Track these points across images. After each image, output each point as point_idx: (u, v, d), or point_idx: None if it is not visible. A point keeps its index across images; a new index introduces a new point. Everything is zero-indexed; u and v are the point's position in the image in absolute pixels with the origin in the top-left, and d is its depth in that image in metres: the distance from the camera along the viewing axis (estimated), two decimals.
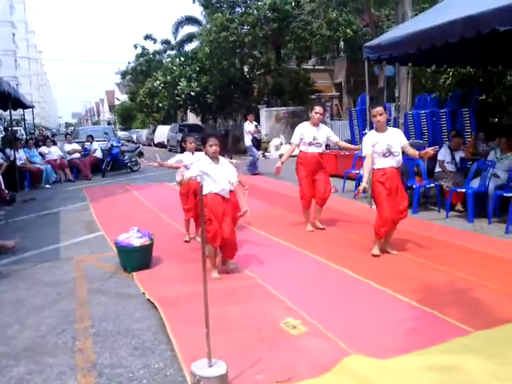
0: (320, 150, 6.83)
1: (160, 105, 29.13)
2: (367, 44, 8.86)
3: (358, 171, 10.33)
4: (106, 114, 76.51)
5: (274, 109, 23.57)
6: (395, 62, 11.22)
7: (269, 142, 22.12)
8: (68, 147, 14.73)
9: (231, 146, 24.71)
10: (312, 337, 3.59)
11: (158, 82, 26.15)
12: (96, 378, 3.09)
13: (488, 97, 11.44)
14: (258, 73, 25.81)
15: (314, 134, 6.76)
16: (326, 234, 6.78)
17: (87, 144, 15.67)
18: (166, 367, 3.20)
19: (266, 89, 25.74)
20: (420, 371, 3.01)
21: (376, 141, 5.58)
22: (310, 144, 6.75)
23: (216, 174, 4.82)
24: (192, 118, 34.51)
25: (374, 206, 8.63)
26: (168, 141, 29.05)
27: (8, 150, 12.98)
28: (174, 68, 25.01)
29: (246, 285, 4.77)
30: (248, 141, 14.20)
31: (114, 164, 15.36)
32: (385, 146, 5.54)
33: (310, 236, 6.70)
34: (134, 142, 33.83)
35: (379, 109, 5.58)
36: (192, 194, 6.34)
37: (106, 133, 17.26)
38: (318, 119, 6.78)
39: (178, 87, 23.59)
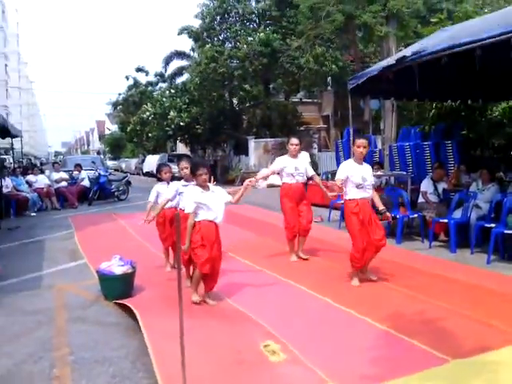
0: (303, 179, 6.92)
1: (150, 134, 29.32)
2: (351, 77, 9.10)
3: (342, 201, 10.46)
4: (96, 144, 76.71)
5: (262, 140, 23.83)
6: (378, 96, 11.48)
7: (256, 172, 22.27)
8: (56, 175, 14.72)
9: (220, 176, 24.84)
10: (291, 364, 3.58)
11: (147, 114, 26.40)
12: None
13: (470, 131, 11.70)
14: (248, 105, 26.19)
15: (295, 165, 6.85)
16: (310, 264, 6.79)
17: (75, 173, 15.67)
18: None
19: (255, 120, 26.09)
20: None
21: (353, 171, 5.67)
22: (293, 175, 6.83)
23: (210, 202, 4.86)
24: (181, 148, 34.73)
25: None
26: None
27: None
28: (164, 100, 25.32)
29: (226, 310, 4.76)
30: None
31: (101, 193, 15.35)
32: (360, 178, 5.65)
33: (294, 266, 6.71)
34: (122, 171, 33.86)
35: (364, 141, 5.72)
36: (168, 222, 6.35)
37: (93, 162, 17.30)
38: (294, 150, 6.88)
39: (168, 117, 23.83)
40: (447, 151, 11.62)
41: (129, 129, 35.98)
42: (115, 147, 52.32)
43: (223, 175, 23.81)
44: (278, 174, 7.06)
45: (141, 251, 7.74)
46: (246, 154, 25.44)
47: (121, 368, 3.59)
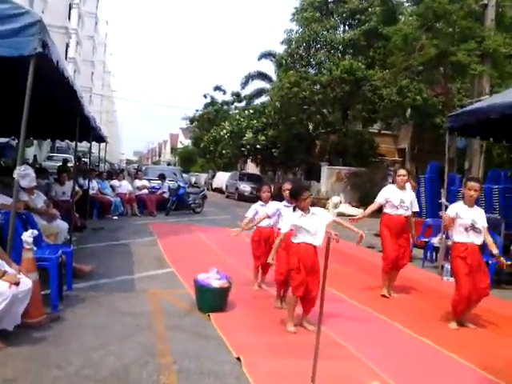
0: (407, 213, 6.73)
1: (224, 152, 29.88)
2: (451, 114, 8.85)
3: (426, 239, 10.12)
4: (167, 156, 79.09)
5: (336, 168, 23.66)
6: (476, 135, 11.07)
7: (327, 199, 22.09)
8: (138, 183, 15.23)
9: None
10: None
11: (224, 131, 26.95)
12: None
13: None
14: (323, 131, 26.15)
15: (401, 197, 6.69)
16: (400, 301, 6.57)
17: (158, 183, 16.14)
18: None
19: (328, 147, 25.99)
20: None
21: (463, 214, 5.49)
22: (397, 207, 6.67)
23: (309, 225, 4.82)
24: (251, 167, 35.11)
25: (446, 278, 8.42)
26: (226, 187, 29.54)
27: (81, 180, 13.52)
28: (242, 119, 25.78)
29: (325, 342, 4.63)
30: None
31: (179, 204, 15.68)
32: (470, 220, 5.45)
33: (384, 301, 6.52)
34: (191, 185, 34.63)
35: (476, 184, 5.55)
36: (263, 241, 6.37)
37: (174, 173, 17.76)
38: (402, 181, 6.73)
39: (244, 138, 24.22)
40: None
41: (202, 145, 36.86)
42: (186, 161, 53.69)
43: (279, 198, 23.71)
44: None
45: (223, 266, 7.75)
46: (317, 180, 25.31)
47: (226, 383, 3.56)
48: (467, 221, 5.43)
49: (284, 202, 5.88)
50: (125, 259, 7.83)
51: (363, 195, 20.53)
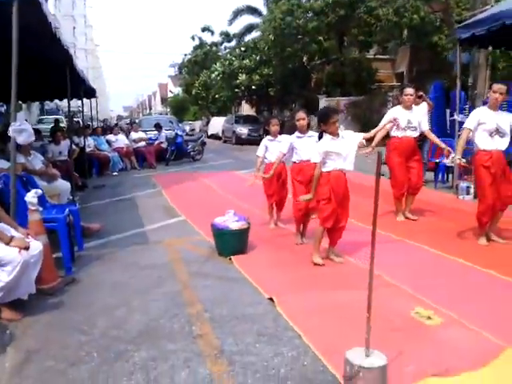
0: (415, 134, 6.40)
1: (217, 96, 29.11)
2: (460, 25, 8.35)
3: (437, 160, 9.82)
4: (158, 107, 77.35)
5: (334, 98, 22.98)
6: (488, 45, 10.52)
7: None
8: (134, 135, 14.76)
9: None
10: (450, 327, 3.26)
11: (216, 73, 26.03)
12: (228, 366, 2.84)
13: None
14: (318, 62, 25.25)
15: (409, 118, 6.32)
16: (421, 224, 6.35)
17: (154, 133, 15.67)
18: (301, 356, 2.92)
19: (324, 78, 25.20)
20: None
21: (486, 118, 5.13)
22: (405, 129, 6.31)
23: (341, 149, 4.49)
24: (246, 109, 34.34)
25: (461, 197, 8.19)
26: (223, 132, 28.94)
27: (76, 138, 13.08)
28: (233, 59, 24.83)
29: (354, 272, 4.43)
30: None
31: (178, 153, 15.30)
32: (494, 124, 5.10)
33: (405, 225, 6.29)
34: (187, 134, 33.91)
35: (502, 87, 5.14)
36: (275, 177, 6.07)
37: (170, 122, 17.23)
38: (409, 100, 6.33)
39: (238, 80, 23.40)
40: None
41: (193, 91, 35.89)
42: (178, 110, 52.41)
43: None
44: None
45: (236, 209, 7.52)
46: (314, 115, 24.71)
47: (264, 326, 3.35)
48: (491, 125, 5.10)
49: (296, 133, 5.51)
50: (132, 213, 7.57)
51: (363, 125, 20.04)
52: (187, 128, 39.04)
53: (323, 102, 23.29)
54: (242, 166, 13.83)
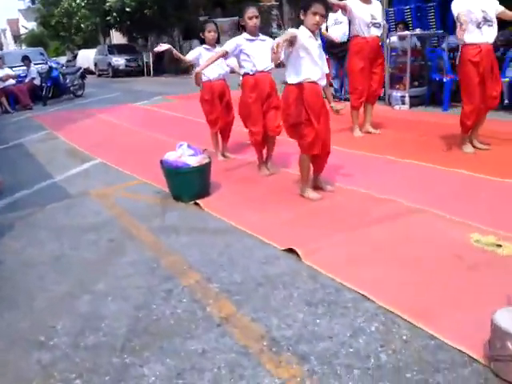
0: (379, 32, 5.57)
1: (82, 26, 25.79)
2: None
3: None
4: (11, 46, 68.13)
5: (217, 20, 21.36)
6: None
7: None
8: (0, 73, 12.21)
9: (169, 66, 22.51)
10: None
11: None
12: (299, 364, 1.89)
13: None
14: None
15: (371, 12, 5.43)
16: (386, 138, 5.69)
17: (22, 68, 13.15)
18: (390, 328, 2.05)
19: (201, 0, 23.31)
20: None
21: (469, 5, 4.37)
22: (369, 25, 5.41)
23: (317, 53, 3.47)
24: (116, 38, 31.07)
25: (398, 106, 7.70)
26: (96, 65, 26.00)
27: None
28: None
29: (358, 200, 3.61)
30: None
31: (56, 89, 13.11)
32: (480, 12, 4.38)
33: (369, 140, 5.58)
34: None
35: None
36: (217, 98, 4.97)
37: (41, 53, 14.66)
38: None
39: (107, 3, 20.57)
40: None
41: (53, 22, 31.62)
42: (37, 47, 46.68)
43: (173, 64, 21.35)
44: None
45: (163, 144, 6.31)
46: (197, 38, 23.02)
47: (307, 290, 2.42)
48: (478, 12, 4.36)
49: (245, 35, 4.29)
50: (31, 162, 6.00)
51: None
52: (62, 60, 34.79)
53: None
54: (135, 97, 12.24)
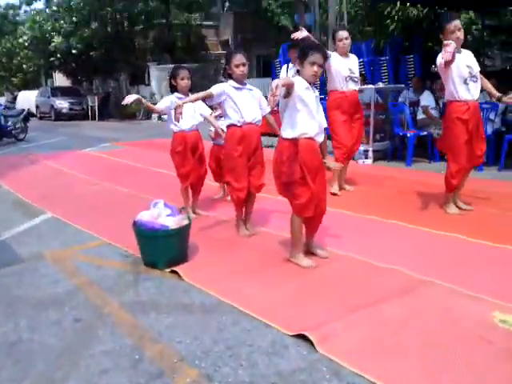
0: (357, 86, 5.44)
1: (24, 66, 24.90)
2: None
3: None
4: None
5: (167, 66, 21.16)
6: None
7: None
8: None
9: (114, 110, 22.01)
10: None
11: (24, 38, 21.94)
12: None
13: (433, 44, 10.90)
14: (141, 27, 23.04)
15: (349, 66, 5.31)
16: (361, 195, 5.50)
17: None
18: None
19: (149, 44, 23.22)
20: None
21: (459, 60, 4.26)
22: (347, 79, 5.28)
23: (314, 106, 3.21)
24: (60, 80, 30.22)
25: (361, 161, 7.61)
26: (37, 107, 25.03)
27: None
28: (43, 21, 21.13)
29: (360, 270, 3.29)
30: None
31: None
32: (465, 68, 4.30)
33: (347, 197, 5.36)
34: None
35: (459, 24, 4.28)
36: (190, 151, 4.61)
37: None
38: (344, 46, 5.31)
39: (53, 43, 19.94)
40: (408, 66, 10.85)
41: None
42: None
43: (118, 109, 20.86)
44: None
45: (118, 197, 5.82)
46: (145, 84, 22.74)
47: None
48: (464, 70, 4.28)
49: (231, 82, 3.98)
50: None
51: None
52: (1, 101, 33.25)
53: (154, 71, 21.45)
54: (82, 143, 11.66)
